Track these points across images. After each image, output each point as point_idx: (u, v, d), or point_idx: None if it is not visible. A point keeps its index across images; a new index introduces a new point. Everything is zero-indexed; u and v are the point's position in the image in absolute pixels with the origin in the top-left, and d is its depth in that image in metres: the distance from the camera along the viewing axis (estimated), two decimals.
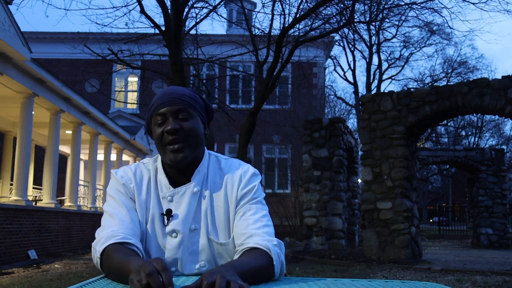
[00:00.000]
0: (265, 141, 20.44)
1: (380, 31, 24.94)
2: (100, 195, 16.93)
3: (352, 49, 27.06)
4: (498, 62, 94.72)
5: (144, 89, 15.30)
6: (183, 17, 10.35)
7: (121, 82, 21.09)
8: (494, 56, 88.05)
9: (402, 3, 12.07)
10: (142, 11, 9.03)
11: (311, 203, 11.97)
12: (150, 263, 1.02)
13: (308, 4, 10.38)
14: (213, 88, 16.55)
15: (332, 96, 27.59)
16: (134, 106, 20.85)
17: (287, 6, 15.62)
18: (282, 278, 1.32)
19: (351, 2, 9.85)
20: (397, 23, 20.01)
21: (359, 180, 15.12)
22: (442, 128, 29.57)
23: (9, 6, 8.86)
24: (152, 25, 9.54)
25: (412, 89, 10.26)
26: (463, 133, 31.37)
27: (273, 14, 10.12)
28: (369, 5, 13.28)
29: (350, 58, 44.34)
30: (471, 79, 9.52)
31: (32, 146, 13.59)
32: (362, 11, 14.57)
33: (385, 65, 27.85)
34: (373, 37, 26.35)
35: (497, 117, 20.30)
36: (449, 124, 28.01)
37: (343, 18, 10.83)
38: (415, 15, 14.93)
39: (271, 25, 10.03)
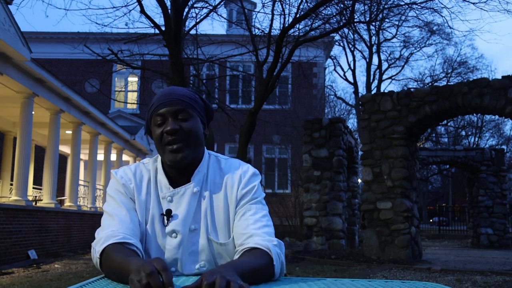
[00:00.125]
0: (265, 141, 20.44)
1: (380, 31, 24.95)
2: (100, 195, 16.93)
3: (352, 49, 27.09)
4: (498, 62, 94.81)
5: (144, 89, 15.30)
6: (183, 17, 10.35)
7: (121, 82, 21.09)
8: (494, 56, 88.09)
9: (402, 3, 12.07)
10: (142, 11, 9.03)
11: (311, 203, 11.97)
12: (150, 263, 1.02)
13: (308, 4, 10.39)
14: (213, 88, 16.55)
15: (332, 96, 27.62)
16: (134, 106, 20.85)
17: (287, 6, 15.63)
18: (282, 278, 1.32)
19: (351, 2, 9.85)
20: (397, 23, 20.02)
21: (359, 180, 15.12)
22: (442, 128, 29.59)
23: (9, 6, 8.86)
24: (152, 25, 9.54)
25: (412, 89, 10.25)
26: (463, 133, 31.38)
27: (273, 14, 10.13)
28: (369, 5, 13.27)
29: (350, 58, 44.41)
30: (471, 79, 9.52)
31: (32, 146, 13.59)
32: (362, 11, 14.57)
33: (385, 65, 27.90)
34: (373, 37, 26.37)
35: (497, 117, 20.31)
36: (449, 124, 28.01)
37: (343, 18, 10.83)
38: (415, 15, 14.95)
39: (271, 25, 10.03)
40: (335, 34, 19.61)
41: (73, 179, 13.26)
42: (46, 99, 11.05)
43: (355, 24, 14.22)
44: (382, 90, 25.36)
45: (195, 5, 11.84)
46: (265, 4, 16.41)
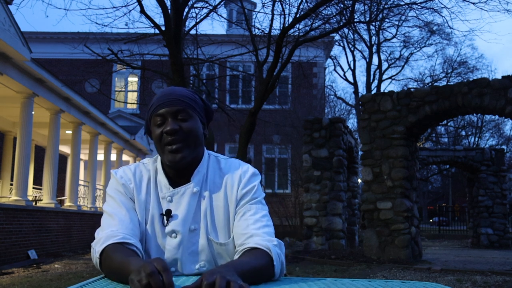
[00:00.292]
0: (265, 141, 20.44)
1: (380, 31, 24.95)
2: (100, 195, 16.93)
3: (352, 49, 27.09)
4: (498, 62, 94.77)
5: (144, 89, 15.29)
6: (183, 17, 10.35)
7: (121, 82, 21.09)
8: (494, 56, 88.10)
9: (402, 3, 12.06)
10: (142, 11, 9.03)
11: (311, 203, 11.97)
12: (150, 263, 1.02)
13: (308, 4, 10.38)
14: (213, 88, 16.54)
15: (332, 96, 27.62)
16: (134, 106, 20.85)
17: (287, 6, 15.62)
18: (282, 278, 1.32)
19: (351, 2, 9.85)
20: (397, 23, 20.01)
21: (359, 180, 15.12)
22: (442, 128, 29.59)
23: (9, 6, 8.86)
24: (152, 25, 9.54)
25: (412, 89, 10.25)
26: (463, 133, 31.38)
27: (273, 14, 10.13)
28: (369, 5, 13.27)
29: (350, 58, 44.40)
30: (471, 79, 9.52)
31: (32, 146, 13.59)
32: (362, 11, 14.57)
33: (385, 65, 27.89)
34: (373, 37, 26.36)
35: (497, 117, 20.30)
36: (449, 124, 28.01)
37: (343, 18, 10.83)
38: (415, 15, 14.91)
39: (271, 25, 10.03)
40: (335, 34, 19.61)
41: (73, 179, 13.26)
42: (46, 99, 11.05)
43: (355, 24, 14.23)
44: (382, 90, 25.38)
45: (195, 5, 11.85)
46: (265, 4, 16.43)
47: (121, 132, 16.24)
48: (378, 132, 9.97)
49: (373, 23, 20.68)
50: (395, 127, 9.78)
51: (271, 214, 1.60)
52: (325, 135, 12.09)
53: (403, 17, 16.52)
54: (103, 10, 26.17)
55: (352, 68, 27.48)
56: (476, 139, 30.88)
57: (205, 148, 1.51)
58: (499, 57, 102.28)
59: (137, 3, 8.91)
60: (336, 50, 62.27)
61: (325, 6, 10.12)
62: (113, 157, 17.08)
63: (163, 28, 9.16)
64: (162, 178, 1.44)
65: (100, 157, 16.39)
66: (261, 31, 11.26)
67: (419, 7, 11.22)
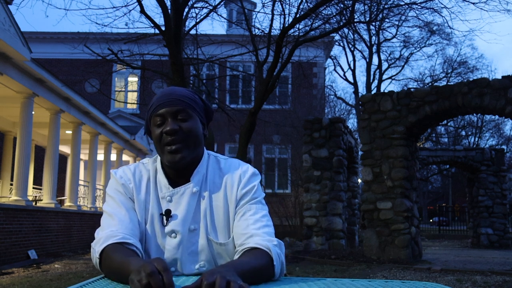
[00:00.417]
0: (265, 141, 20.44)
1: (380, 31, 24.95)
2: (100, 195, 16.93)
3: (352, 49, 27.09)
4: (498, 62, 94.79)
5: (144, 89, 15.29)
6: (183, 17, 10.35)
7: (121, 82, 21.08)
8: (494, 56, 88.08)
9: (402, 3, 12.06)
10: (142, 11, 9.03)
11: (311, 203, 11.97)
12: (150, 263, 1.02)
13: (308, 4, 10.38)
14: (213, 88, 16.54)
15: (332, 96, 27.62)
16: (134, 106, 20.85)
17: (287, 6, 15.61)
18: (282, 278, 1.32)
19: (351, 2, 9.85)
20: (397, 23, 20.01)
21: (359, 180, 15.12)
22: (442, 128, 29.58)
23: (9, 6, 8.86)
24: (152, 25, 9.54)
25: (412, 89, 10.25)
26: (463, 133, 31.38)
27: (273, 14, 10.12)
28: (369, 5, 13.26)
29: (350, 58, 44.39)
30: (471, 79, 9.52)
31: (32, 146, 13.59)
32: (362, 11, 14.56)
33: (385, 65, 27.89)
34: (373, 37, 26.36)
35: (497, 117, 20.31)
36: (449, 124, 28.01)
37: (343, 18, 10.82)
38: (415, 15, 14.91)
39: (271, 25, 10.02)
40: (335, 34, 19.61)
41: (73, 179, 13.26)
42: (46, 99, 11.05)
43: (355, 24, 14.22)
44: (382, 90, 25.38)
45: (195, 5, 11.85)
46: (265, 4, 16.43)
47: (121, 132, 16.25)
48: (378, 132, 9.97)
49: (373, 23, 20.68)
50: (395, 127, 9.78)
51: (271, 214, 1.60)
52: (325, 135, 12.09)
53: (403, 17, 16.52)
54: (103, 10, 26.18)
55: (352, 68, 27.51)
56: (476, 139, 30.88)
57: (204, 148, 1.51)
58: (499, 57, 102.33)
59: (137, 3, 8.91)
60: (336, 50, 62.31)
61: (325, 6, 10.12)
62: (113, 157, 17.08)
63: (163, 28, 9.16)
64: (161, 178, 1.44)
65: (100, 157, 16.39)
66: (261, 31, 11.27)
67: (419, 7, 11.22)
